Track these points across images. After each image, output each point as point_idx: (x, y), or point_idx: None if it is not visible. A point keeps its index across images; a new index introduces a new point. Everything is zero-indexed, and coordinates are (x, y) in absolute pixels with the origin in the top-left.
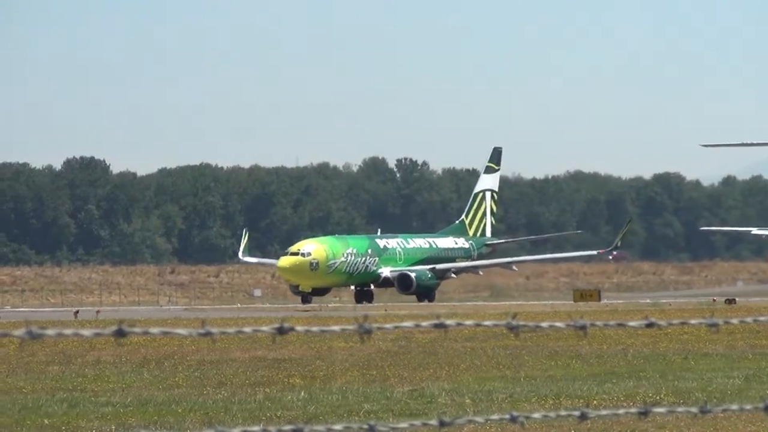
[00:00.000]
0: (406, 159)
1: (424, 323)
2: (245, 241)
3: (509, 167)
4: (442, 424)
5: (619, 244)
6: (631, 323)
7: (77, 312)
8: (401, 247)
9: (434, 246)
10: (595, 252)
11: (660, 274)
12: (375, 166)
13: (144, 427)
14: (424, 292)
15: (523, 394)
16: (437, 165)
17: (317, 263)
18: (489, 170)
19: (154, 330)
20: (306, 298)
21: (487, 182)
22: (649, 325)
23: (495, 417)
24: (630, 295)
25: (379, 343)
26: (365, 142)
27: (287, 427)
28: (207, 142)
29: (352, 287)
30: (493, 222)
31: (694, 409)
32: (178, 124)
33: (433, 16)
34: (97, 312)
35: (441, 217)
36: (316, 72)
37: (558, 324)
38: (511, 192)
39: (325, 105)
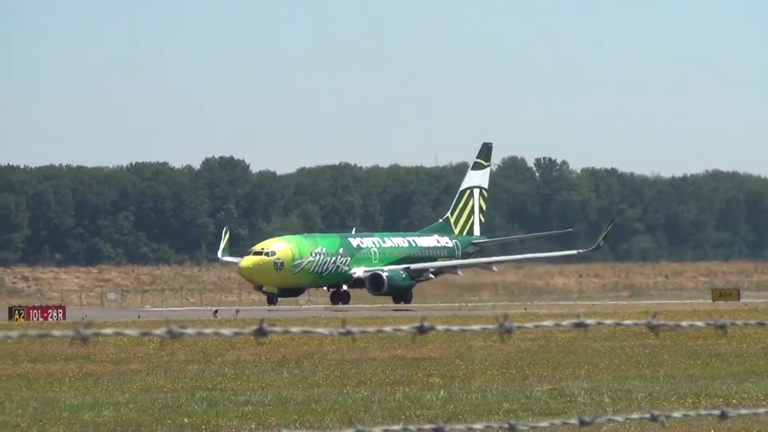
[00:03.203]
0: (545, 158)
1: (565, 322)
2: (225, 240)
3: (648, 165)
4: (582, 423)
5: (601, 244)
6: None
7: (216, 311)
8: (377, 246)
9: (414, 245)
10: (575, 252)
11: None
12: (514, 166)
13: (284, 426)
14: (398, 293)
15: (662, 393)
16: (576, 164)
17: (282, 263)
18: (477, 166)
19: (295, 329)
20: (272, 299)
21: (475, 179)
22: None
23: (635, 416)
24: None
25: (518, 342)
26: (504, 141)
27: (427, 426)
28: (346, 141)
29: (325, 288)
30: (482, 220)
31: None
32: (317, 123)
33: (574, 15)
34: (237, 311)
35: (580, 216)
36: (457, 71)
37: (698, 323)
38: (650, 191)
39: (465, 104)
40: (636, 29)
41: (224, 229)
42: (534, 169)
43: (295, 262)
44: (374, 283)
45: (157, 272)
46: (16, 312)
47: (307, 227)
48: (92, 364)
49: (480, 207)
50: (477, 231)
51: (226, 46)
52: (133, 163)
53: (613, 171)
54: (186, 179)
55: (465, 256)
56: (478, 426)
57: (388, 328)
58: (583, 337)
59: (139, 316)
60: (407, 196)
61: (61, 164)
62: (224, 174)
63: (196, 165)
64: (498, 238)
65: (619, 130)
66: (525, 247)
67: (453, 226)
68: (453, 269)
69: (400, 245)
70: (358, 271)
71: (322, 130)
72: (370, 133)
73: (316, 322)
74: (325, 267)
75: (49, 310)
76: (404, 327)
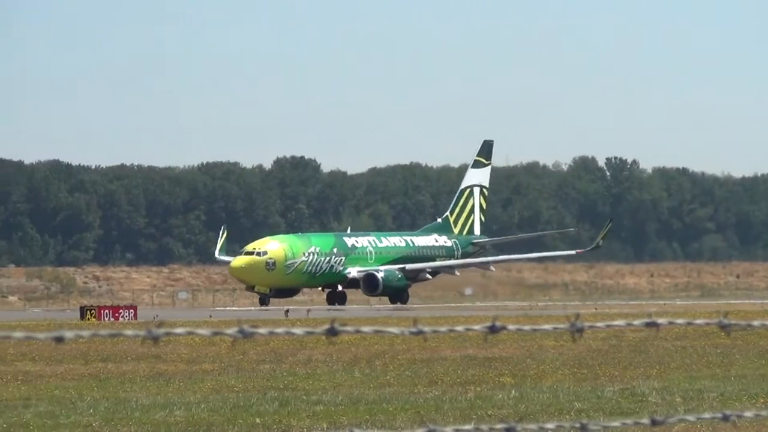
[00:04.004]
0: (615, 158)
1: (636, 322)
2: (223, 239)
3: (718, 165)
4: (653, 422)
5: (600, 244)
6: None
7: (288, 311)
8: (372, 245)
9: (411, 244)
10: (573, 252)
11: None
12: (584, 165)
13: (355, 426)
14: (393, 293)
15: (733, 393)
16: (647, 164)
17: (274, 263)
18: (477, 164)
19: (366, 328)
20: (264, 299)
21: (476, 177)
22: None
23: (707, 416)
24: None
25: (589, 342)
26: (575, 141)
27: (499, 426)
28: (417, 141)
29: (320, 288)
30: (483, 219)
31: None
32: (388, 123)
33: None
34: (308, 311)
35: (651, 216)
36: (529, 71)
37: None
38: (721, 191)
39: (536, 104)
40: (709, 27)
41: (222, 227)
42: (605, 168)
43: (288, 262)
44: (369, 284)
45: (227, 272)
46: (88, 312)
47: (378, 226)
48: (164, 364)
49: (480, 206)
50: (477, 230)
51: (295, 45)
52: (204, 163)
53: (684, 170)
54: (257, 179)
55: (465, 256)
56: (549, 425)
57: (459, 328)
58: (654, 336)
59: (210, 316)
60: None
61: (132, 164)
62: (295, 173)
63: (267, 165)
64: (498, 238)
65: (689, 130)
66: (544, 246)
67: (453, 226)
68: (450, 269)
69: (397, 245)
70: (353, 271)
71: (393, 130)
72: (441, 133)
73: (388, 322)
74: (318, 267)
75: (121, 310)
76: (476, 326)
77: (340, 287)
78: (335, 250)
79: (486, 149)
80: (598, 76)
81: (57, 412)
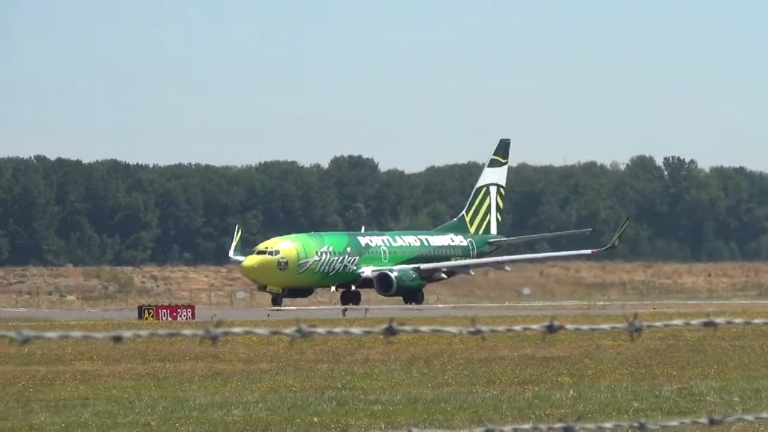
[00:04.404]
0: (673, 157)
1: (694, 321)
2: (237, 238)
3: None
4: (712, 422)
5: (616, 243)
6: None
7: (345, 310)
8: (386, 245)
9: (426, 244)
10: (589, 251)
11: None
12: (642, 165)
13: (413, 426)
14: (407, 293)
15: None
16: (705, 163)
17: (286, 262)
18: (494, 163)
19: (424, 328)
20: (276, 299)
21: (492, 176)
22: None
23: (765, 415)
24: None
25: (647, 341)
26: (632, 141)
27: (557, 425)
28: (475, 140)
29: (333, 288)
30: (499, 218)
31: None
32: (446, 122)
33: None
34: (366, 310)
35: (709, 215)
36: (582, 71)
37: None
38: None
39: (593, 103)
40: (766, 25)
41: (236, 227)
42: (662, 168)
43: (300, 262)
44: (382, 283)
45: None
46: (146, 311)
47: (435, 226)
48: (221, 364)
49: (497, 205)
50: (494, 230)
51: (352, 45)
52: (262, 162)
53: (742, 170)
54: (315, 178)
55: (481, 255)
56: (607, 425)
57: (518, 327)
58: (712, 336)
59: (268, 315)
60: (536, 195)
61: (189, 163)
62: (353, 173)
63: (325, 164)
64: (515, 238)
65: (747, 129)
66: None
67: (468, 225)
68: (465, 269)
69: (412, 244)
70: (367, 271)
71: (451, 129)
72: (498, 132)
73: (446, 321)
74: (331, 266)
75: (179, 310)
76: (534, 326)
77: (353, 287)
78: (349, 249)
79: (503, 148)
80: (655, 76)
81: (115, 412)
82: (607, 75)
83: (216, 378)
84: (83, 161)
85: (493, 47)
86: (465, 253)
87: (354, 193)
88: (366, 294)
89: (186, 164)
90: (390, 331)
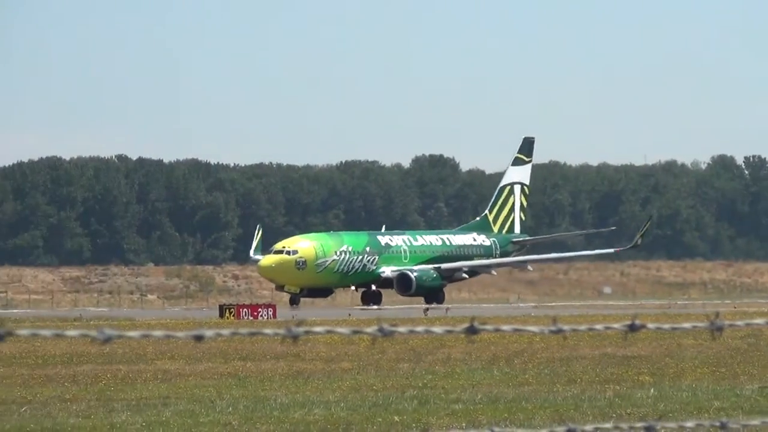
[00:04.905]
0: (754, 156)
1: None
2: (258, 238)
3: None
4: None
5: (639, 242)
6: None
7: (427, 309)
8: (407, 244)
9: (447, 243)
10: (612, 250)
11: None
12: (723, 163)
13: (495, 425)
14: (427, 293)
15: None
16: None
17: (304, 262)
18: (518, 162)
19: (506, 327)
20: (294, 299)
21: (516, 175)
22: None
23: None
24: None
25: (728, 340)
26: (713, 140)
27: (639, 424)
28: (555, 139)
29: (352, 288)
30: (523, 217)
31: None
32: (525, 122)
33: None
34: (447, 309)
35: None
36: (663, 70)
37: None
38: None
39: (673, 102)
40: None
41: (257, 226)
42: (743, 167)
43: (319, 261)
44: (402, 283)
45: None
46: (227, 310)
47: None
48: (303, 363)
49: (521, 204)
50: (518, 229)
51: (429, 45)
52: (343, 162)
53: None
54: (396, 177)
55: (505, 255)
56: (689, 424)
57: (599, 326)
58: None
59: (350, 315)
60: (616, 195)
61: (271, 162)
62: (434, 172)
63: (406, 163)
64: (539, 237)
65: None
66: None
67: (492, 224)
68: (487, 269)
69: (433, 243)
70: (387, 271)
71: (532, 128)
72: (578, 132)
73: (527, 321)
74: (351, 266)
75: (260, 309)
76: (615, 325)
77: (374, 287)
78: (368, 249)
79: (527, 146)
80: (736, 75)
81: (196, 411)
82: (687, 74)
83: (297, 377)
84: (164, 160)
85: (577, 47)
86: (488, 252)
87: (435, 192)
88: (386, 294)
89: (267, 163)
90: (471, 330)
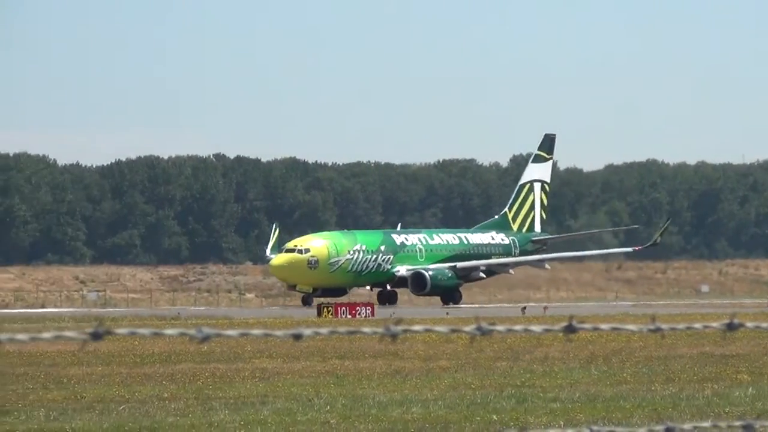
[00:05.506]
0: None
1: None
2: (275, 237)
3: None
4: None
5: (658, 241)
6: None
7: (525, 308)
8: (423, 243)
9: (465, 242)
10: (630, 249)
11: None
12: None
13: (593, 423)
14: (443, 293)
15: None
16: None
17: (317, 261)
18: (538, 159)
19: (604, 326)
20: (307, 299)
21: (536, 172)
22: None
23: None
24: None
25: None
26: None
27: (737, 423)
28: (653, 138)
29: (367, 287)
30: (543, 215)
31: None
32: (625, 120)
33: None
34: (545, 308)
35: None
36: (763, 67)
37: None
38: None
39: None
40: None
41: (274, 224)
42: None
43: (332, 260)
44: (417, 283)
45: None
46: (325, 309)
47: (614, 223)
48: (401, 361)
49: (541, 202)
50: (538, 227)
51: (526, 45)
52: (441, 161)
53: None
54: (494, 176)
55: (524, 253)
56: None
57: (697, 325)
58: None
59: (447, 313)
60: (714, 194)
61: (368, 161)
62: None
63: (504, 162)
64: (558, 236)
65: None
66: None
67: (511, 222)
68: (504, 268)
69: (450, 242)
70: (402, 270)
71: (630, 127)
72: (677, 130)
73: (625, 319)
74: (365, 265)
75: (358, 307)
76: (714, 324)
77: (389, 286)
78: (383, 247)
79: (547, 143)
80: None
81: (294, 409)
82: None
83: (395, 375)
84: (262, 159)
85: (681, 45)
86: (506, 251)
87: None
88: (402, 294)
89: (365, 162)
90: (570, 329)
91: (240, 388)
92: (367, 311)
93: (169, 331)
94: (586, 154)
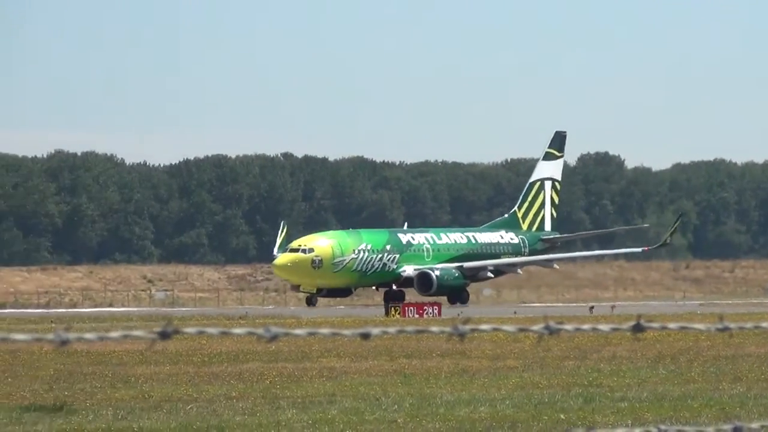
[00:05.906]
0: None
1: None
2: (282, 236)
3: None
4: None
5: (668, 240)
6: None
7: (593, 307)
8: (430, 242)
9: (473, 241)
10: (639, 249)
11: None
12: None
13: (660, 423)
14: (449, 293)
15: None
16: None
17: (321, 260)
18: (549, 157)
19: (672, 325)
20: (311, 300)
21: (547, 170)
22: None
23: None
24: None
25: None
26: None
27: None
28: (721, 136)
29: (374, 287)
30: (554, 214)
31: None
32: (692, 119)
33: None
34: (613, 307)
35: None
36: None
37: None
38: None
39: None
40: None
41: (281, 223)
42: None
43: (336, 260)
44: (423, 283)
45: (532, 268)
46: (392, 308)
47: (682, 223)
48: (468, 360)
49: (552, 200)
50: (548, 226)
51: (593, 44)
52: (509, 160)
53: None
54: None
55: (534, 253)
56: None
57: (765, 324)
58: None
59: (515, 312)
60: None
61: (436, 160)
62: (599, 170)
63: (572, 161)
64: (568, 235)
65: None
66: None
67: (521, 221)
68: (512, 267)
69: (458, 242)
70: (408, 270)
71: (697, 126)
72: (744, 128)
73: (693, 318)
74: (370, 265)
75: (425, 307)
76: None
77: (395, 286)
78: (388, 247)
79: (558, 141)
80: None
81: (362, 408)
82: None
83: (462, 375)
84: (330, 158)
85: (742, 46)
86: (516, 250)
87: (600, 190)
88: (408, 294)
89: (432, 161)
90: (638, 328)
91: (307, 388)
92: (434, 311)
93: (237, 331)
94: (654, 153)
